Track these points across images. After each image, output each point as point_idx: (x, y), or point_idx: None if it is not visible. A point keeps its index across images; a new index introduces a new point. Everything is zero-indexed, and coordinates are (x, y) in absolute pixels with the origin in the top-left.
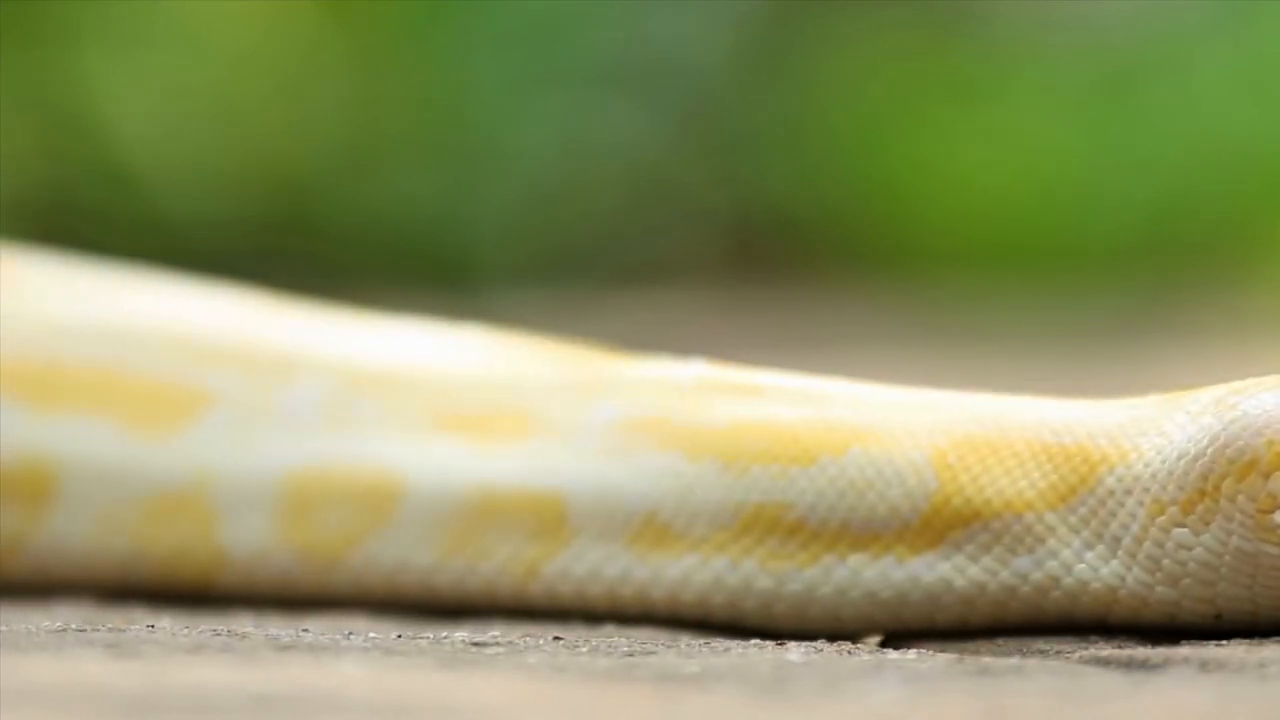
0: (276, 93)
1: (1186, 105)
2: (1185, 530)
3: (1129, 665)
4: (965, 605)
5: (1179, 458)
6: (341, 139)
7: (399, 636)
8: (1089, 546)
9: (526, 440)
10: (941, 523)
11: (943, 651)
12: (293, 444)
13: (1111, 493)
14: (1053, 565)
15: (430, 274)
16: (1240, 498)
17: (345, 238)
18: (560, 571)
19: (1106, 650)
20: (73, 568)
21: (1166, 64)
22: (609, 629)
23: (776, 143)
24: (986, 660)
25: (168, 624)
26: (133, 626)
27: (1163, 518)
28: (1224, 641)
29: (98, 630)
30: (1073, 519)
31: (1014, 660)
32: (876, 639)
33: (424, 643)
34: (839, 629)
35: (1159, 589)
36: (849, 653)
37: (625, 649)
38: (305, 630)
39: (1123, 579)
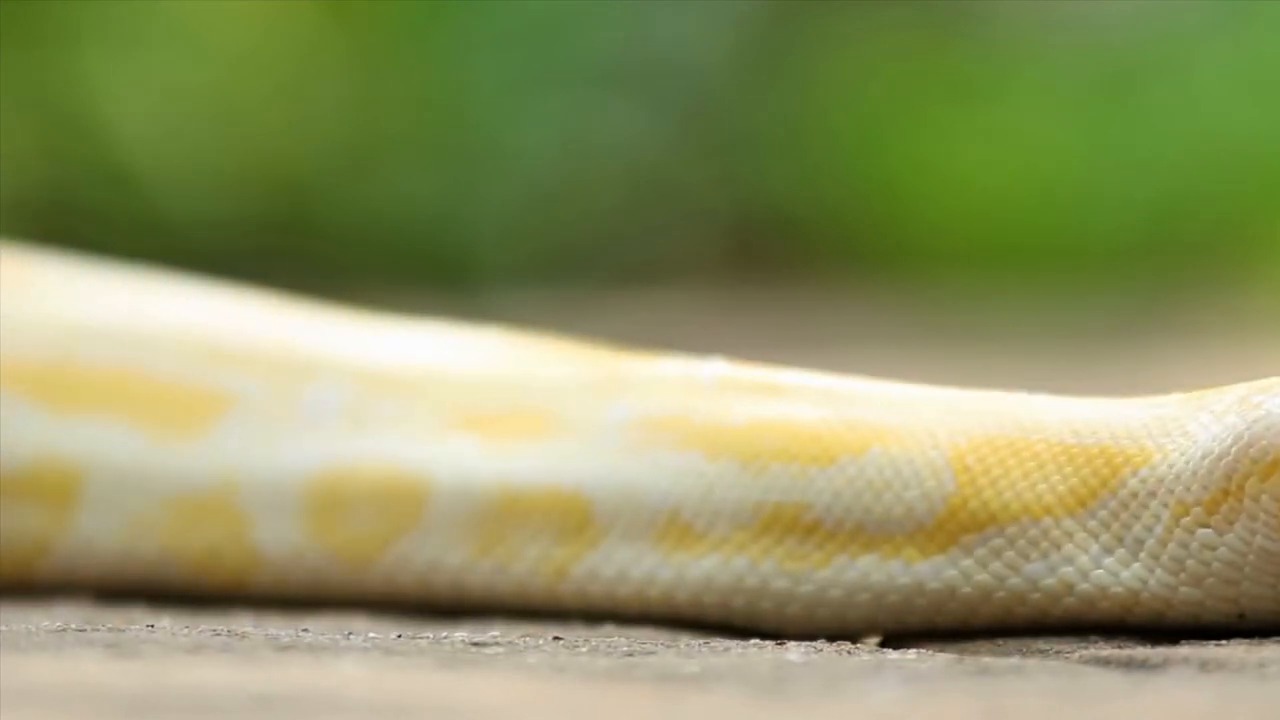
0: (276, 93)
1: (1186, 105)
2: (1209, 531)
3: (1129, 665)
4: (969, 610)
5: (1203, 457)
6: (341, 139)
7: (399, 636)
8: (1108, 551)
9: (549, 439)
10: (956, 525)
11: (943, 651)
12: (317, 445)
13: (1135, 494)
14: (1067, 571)
15: (430, 274)
16: (1264, 497)
17: (345, 238)
18: (590, 572)
19: (1106, 650)
20: (102, 570)
21: (1166, 64)
22: (608, 629)
23: (776, 143)
24: (986, 660)
25: (167, 624)
26: (132, 626)
27: (1187, 518)
28: (1224, 641)
29: (97, 630)
30: (1092, 523)
31: (1014, 660)
32: (876, 639)
33: (424, 643)
34: (844, 630)
35: (1183, 590)
36: (849, 653)
37: (625, 649)
38: (305, 630)
39: (1145, 581)
